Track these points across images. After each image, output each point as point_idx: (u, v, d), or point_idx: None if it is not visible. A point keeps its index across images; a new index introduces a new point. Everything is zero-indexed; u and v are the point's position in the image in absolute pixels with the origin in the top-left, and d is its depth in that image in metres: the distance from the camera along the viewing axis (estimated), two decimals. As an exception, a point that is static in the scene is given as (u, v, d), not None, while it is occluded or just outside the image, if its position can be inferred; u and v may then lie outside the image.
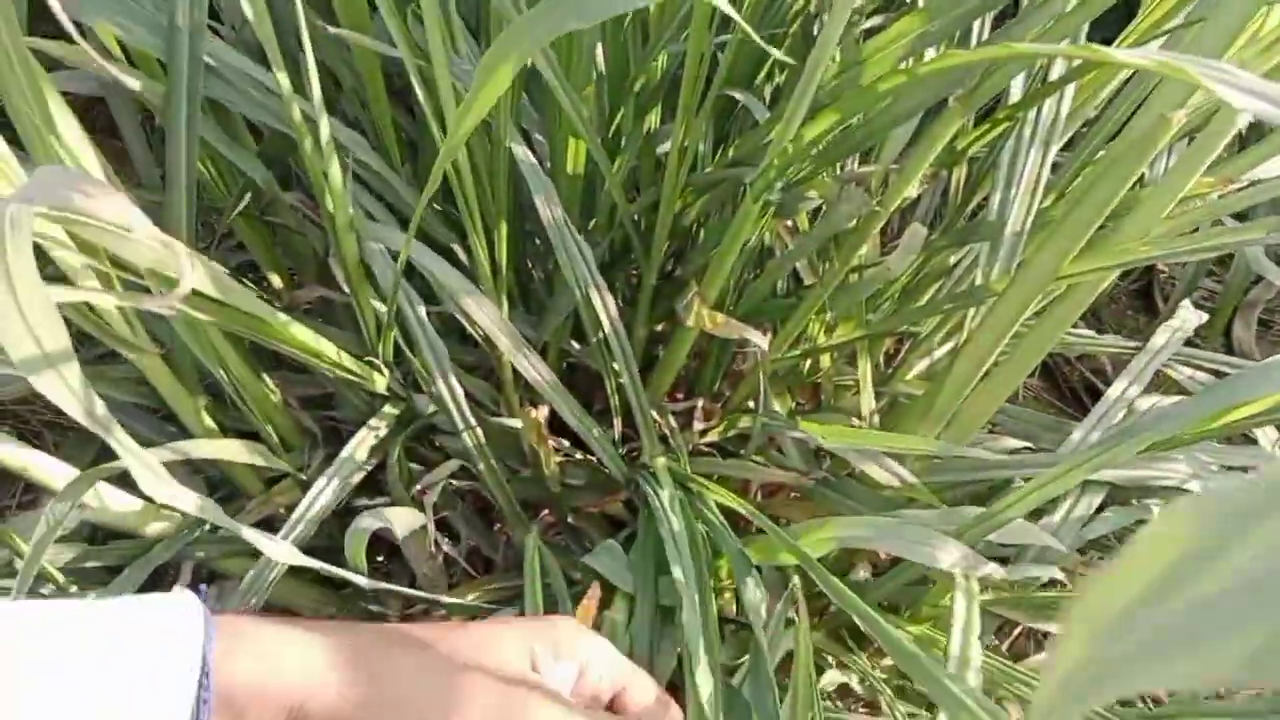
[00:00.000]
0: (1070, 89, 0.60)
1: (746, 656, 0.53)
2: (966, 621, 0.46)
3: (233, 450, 0.58)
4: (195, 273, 0.40)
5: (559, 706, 0.42)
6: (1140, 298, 1.11)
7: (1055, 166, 0.70)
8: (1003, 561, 0.57)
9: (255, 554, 0.59)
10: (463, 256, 0.65)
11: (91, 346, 0.67)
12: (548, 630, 0.45)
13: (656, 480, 0.59)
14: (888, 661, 0.65)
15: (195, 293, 0.42)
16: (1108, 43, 0.63)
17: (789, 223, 0.71)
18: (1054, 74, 0.61)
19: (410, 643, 0.42)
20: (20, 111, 0.42)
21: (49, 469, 0.51)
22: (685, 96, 0.56)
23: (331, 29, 0.57)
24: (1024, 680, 0.58)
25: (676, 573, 0.50)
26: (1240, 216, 0.93)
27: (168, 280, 0.48)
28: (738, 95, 0.63)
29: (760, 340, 0.61)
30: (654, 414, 0.65)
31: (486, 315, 0.56)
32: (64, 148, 0.45)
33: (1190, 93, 0.47)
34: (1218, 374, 0.78)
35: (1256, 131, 0.89)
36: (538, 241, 0.72)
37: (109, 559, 0.55)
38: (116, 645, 0.34)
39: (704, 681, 0.46)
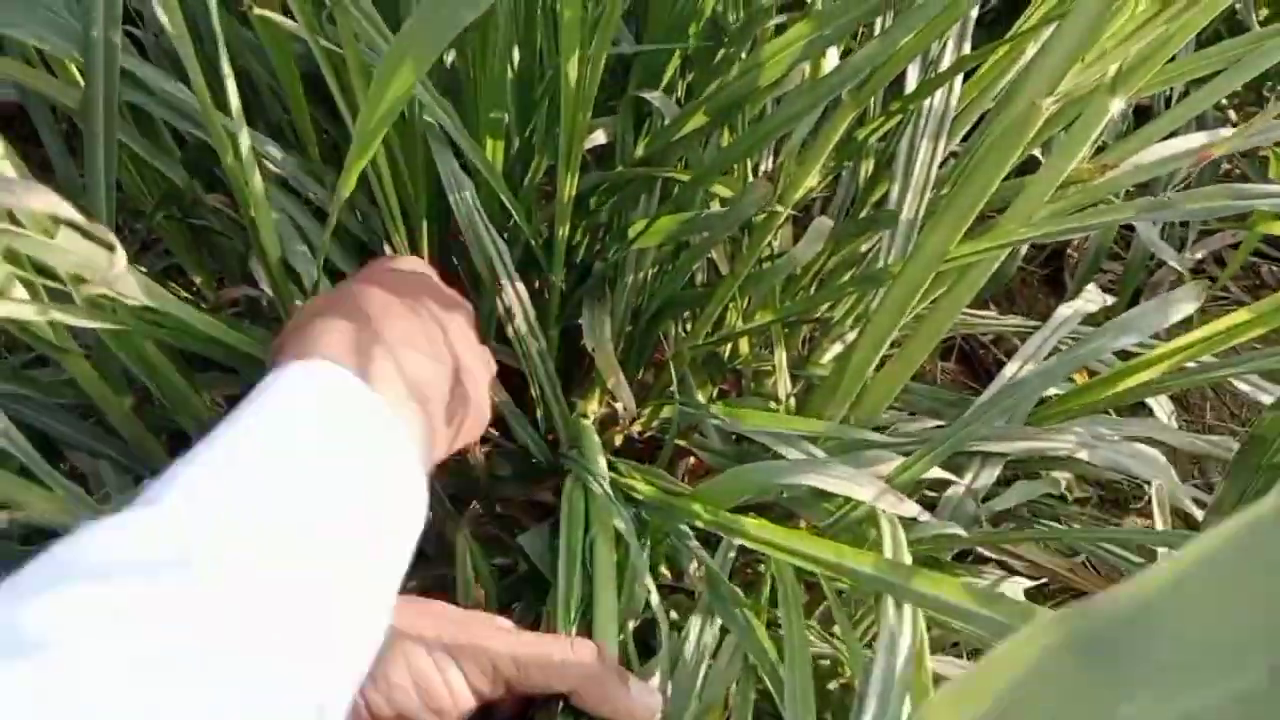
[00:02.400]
0: (958, 81, 0.63)
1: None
2: (893, 538, 0.48)
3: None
4: (121, 272, 0.42)
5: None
6: (1050, 282, 1.15)
7: (957, 157, 0.74)
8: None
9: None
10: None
11: (19, 352, 0.68)
12: None
13: (581, 451, 0.61)
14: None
15: (117, 299, 0.44)
16: (999, 35, 0.67)
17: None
18: (944, 66, 0.64)
19: None
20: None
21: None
22: (568, 109, 0.58)
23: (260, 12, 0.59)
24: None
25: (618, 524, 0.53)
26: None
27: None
28: (649, 96, 0.66)
29: (628, 400, 0.66)
30: (577, 402, 0.68)
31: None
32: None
33: (1058, 80, 0.51)
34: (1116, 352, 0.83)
35: (1140, 118, 0.93)
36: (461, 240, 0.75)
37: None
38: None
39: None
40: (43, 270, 0.51)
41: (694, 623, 0.54)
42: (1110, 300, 0.81)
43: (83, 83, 0.54)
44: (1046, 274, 1.16)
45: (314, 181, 0.63)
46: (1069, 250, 1.16)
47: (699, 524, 0.56)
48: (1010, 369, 0.70)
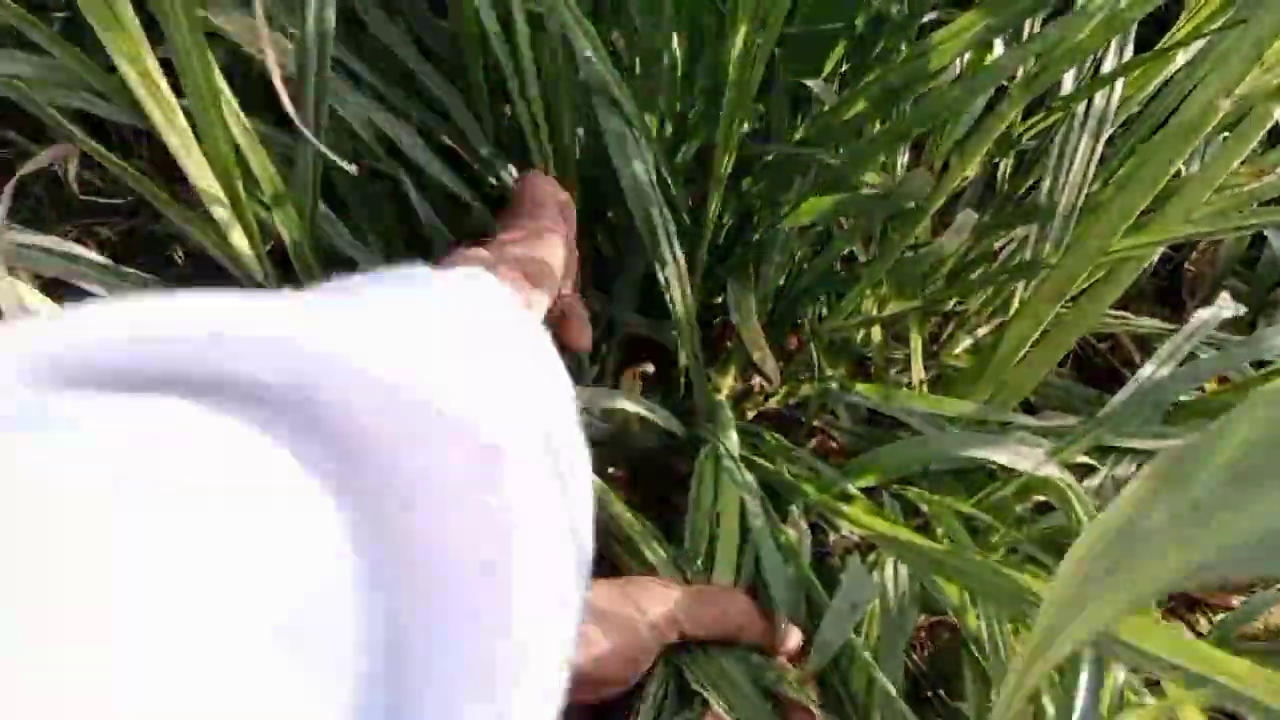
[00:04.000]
0: (1120, 82, 0.64)
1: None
2: (1078, 501, 0.49)
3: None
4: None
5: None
6: (1167, 294, 1.15)
7: (1101, 158, 0.75)
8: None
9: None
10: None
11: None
12: None
13: (715, 420, 0.63)
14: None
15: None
16: (1152, 43, 0.68)
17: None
18: (1105, 68, 0.66)
19: None
20: (191, 80, 0.47)
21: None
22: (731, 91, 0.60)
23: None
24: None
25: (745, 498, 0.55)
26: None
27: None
28: (810, 83, 0.68)
29: (773, 371, 0.67)
30: (713, 375, 0.70)
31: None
32: (230, 109, 0.50)
33: (1239, 82, 0.52)
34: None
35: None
36: (610, 217, 0.77)
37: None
38: None
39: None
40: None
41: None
42: (1242, 310, 0.82)
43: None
44: (1162, 286, 1.15)
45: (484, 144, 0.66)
46: (1186, 265, 1.16)
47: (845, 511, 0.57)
48: (1147, 369, 0.70)
